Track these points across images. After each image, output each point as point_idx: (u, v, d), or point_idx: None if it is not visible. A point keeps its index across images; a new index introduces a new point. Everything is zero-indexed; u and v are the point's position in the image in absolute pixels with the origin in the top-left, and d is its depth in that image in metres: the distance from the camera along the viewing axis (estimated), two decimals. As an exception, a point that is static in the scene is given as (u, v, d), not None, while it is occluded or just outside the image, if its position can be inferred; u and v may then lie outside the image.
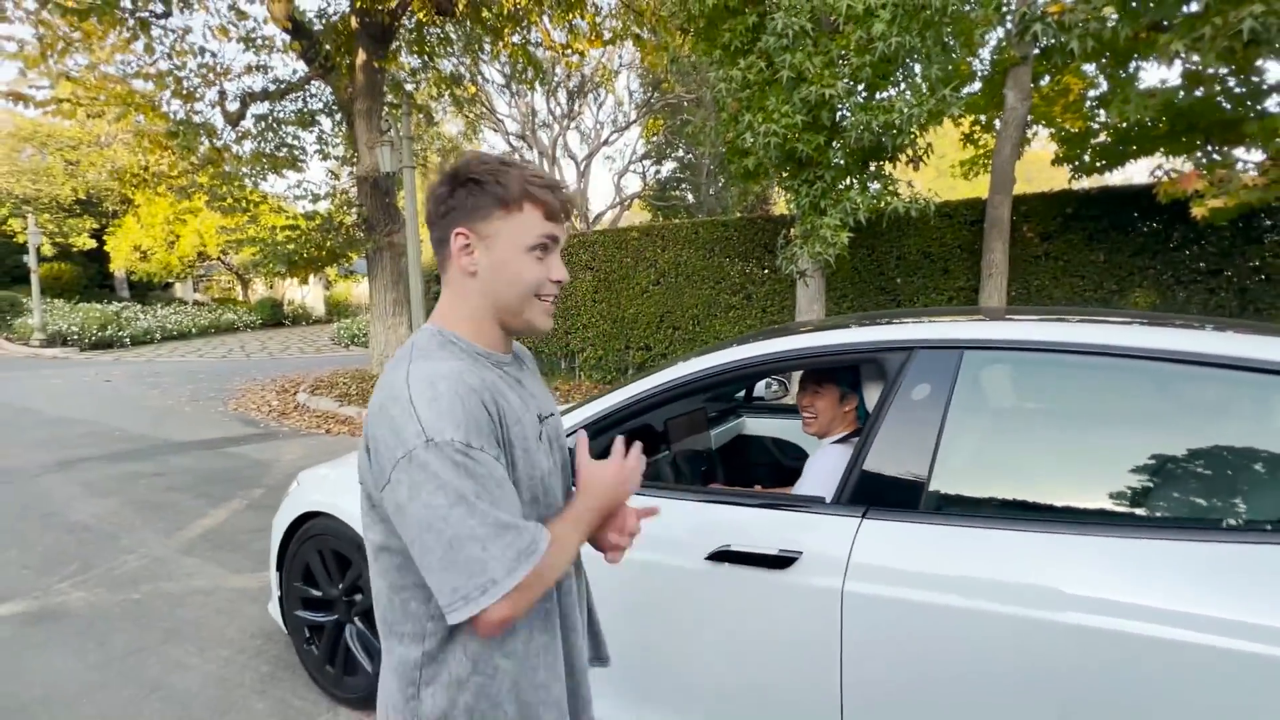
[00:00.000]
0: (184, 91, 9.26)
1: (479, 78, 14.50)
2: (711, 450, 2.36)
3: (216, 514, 4.23)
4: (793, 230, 5.88)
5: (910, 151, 5.58)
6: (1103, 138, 6.55)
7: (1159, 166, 5.31)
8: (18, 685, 2.32)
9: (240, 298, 25.67)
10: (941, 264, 7.47)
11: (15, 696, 2.26)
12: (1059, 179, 7.78)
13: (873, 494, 1.29)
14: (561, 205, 0.89)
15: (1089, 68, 6.57)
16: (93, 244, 21.79)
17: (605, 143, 19.10)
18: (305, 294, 25.11)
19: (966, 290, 7.31)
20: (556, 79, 16.87)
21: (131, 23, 8.06)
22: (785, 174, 5.72)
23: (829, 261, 5.51)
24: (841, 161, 5.53)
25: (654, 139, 19.03)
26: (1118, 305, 7.04)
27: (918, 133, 5.09)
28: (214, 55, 9.39)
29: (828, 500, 1.35)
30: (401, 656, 0.85)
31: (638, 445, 0.94)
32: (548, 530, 0.82)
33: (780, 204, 18.83)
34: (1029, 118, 6.75)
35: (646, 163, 20.37)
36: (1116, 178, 7.35)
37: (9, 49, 8.37)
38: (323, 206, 9.84)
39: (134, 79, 9.20)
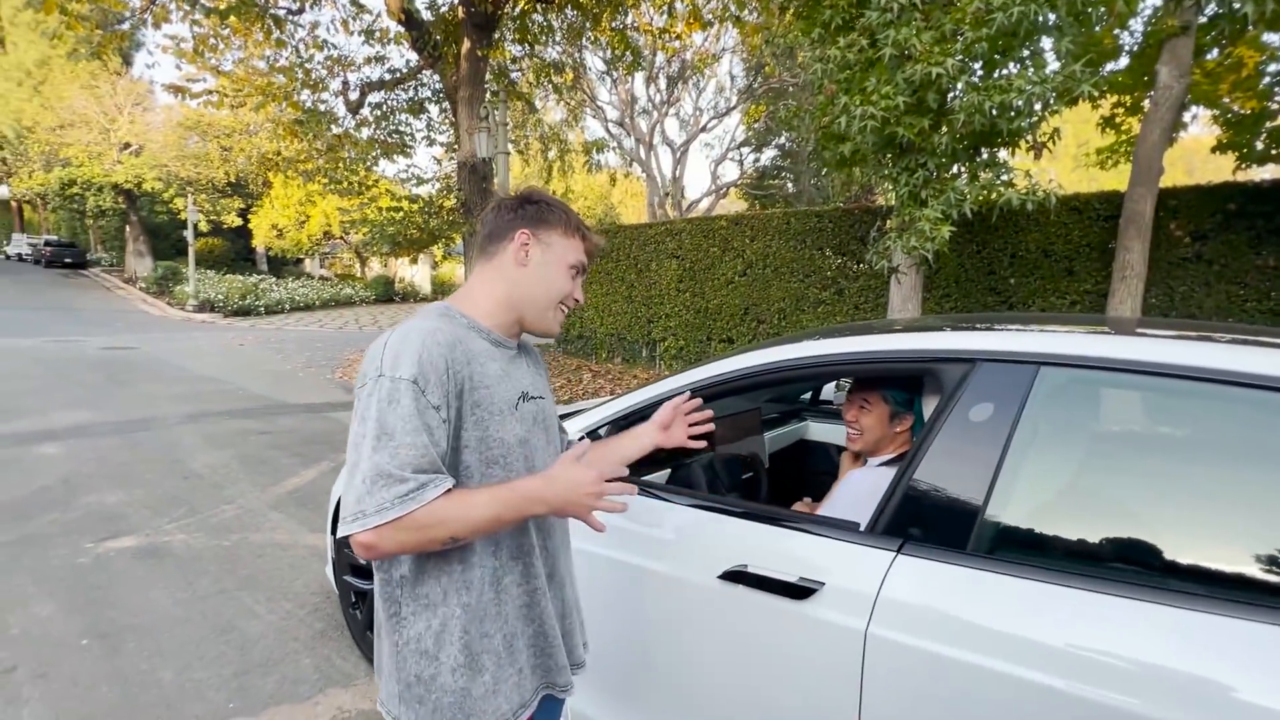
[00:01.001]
0: (311, 82, 10.07)
1: (580, 66, 14.68)
2: (762, 457, 2.20)
3: (306, 473, 4.58)
4: (888, 222, 5.47)
5: (1032, 137, 4.99)
6: (1282, 120, 5.55)
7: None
8: (117, 611, 2.60)
9: (359, 274, 27.87)
10: (1065, 264, 6.69)
11: (113, 621, 2.53)
12: (1227, 169, 6.67)
13: (913, 526, 1.10)
14: (595, 248, 1.12)
15: (1270, 37, 5.56)
16: (239, 222, 24.39)
17: (704, 129, 18.80)
18: (414, 273, 26.84)
19: (1094, 295, 6.50)
20: (657, 65, 16.76)
21: (268, 20, 8.82)
22: (884, 161, 5.31)
23: (926, 257, 5.07)
24: (947, 147, 5.06)
25: (754, 125, 18.48)
26: (1288, 319, 5.99)
27: (1042, 115, 4.53)
28: (336, 48, 10.10)
29: (861, 527, 1.18)
30: (384, 578, 0.98)
31: (631, 490, 1.02)
32: (448, 487, 0.89)
33: (885, 194, 17.75)
34: (1187, 98, 5.84)
35: (745, 150, 19.84)
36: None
37: (171, 46, 9.46)
38: (426, 190, 10.38)
39: (273, 73, 10.12)
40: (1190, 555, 0.98)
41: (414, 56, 9.99)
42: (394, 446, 0.86)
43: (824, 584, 1.13)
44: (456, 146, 9.97)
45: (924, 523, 1.09)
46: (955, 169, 5.00)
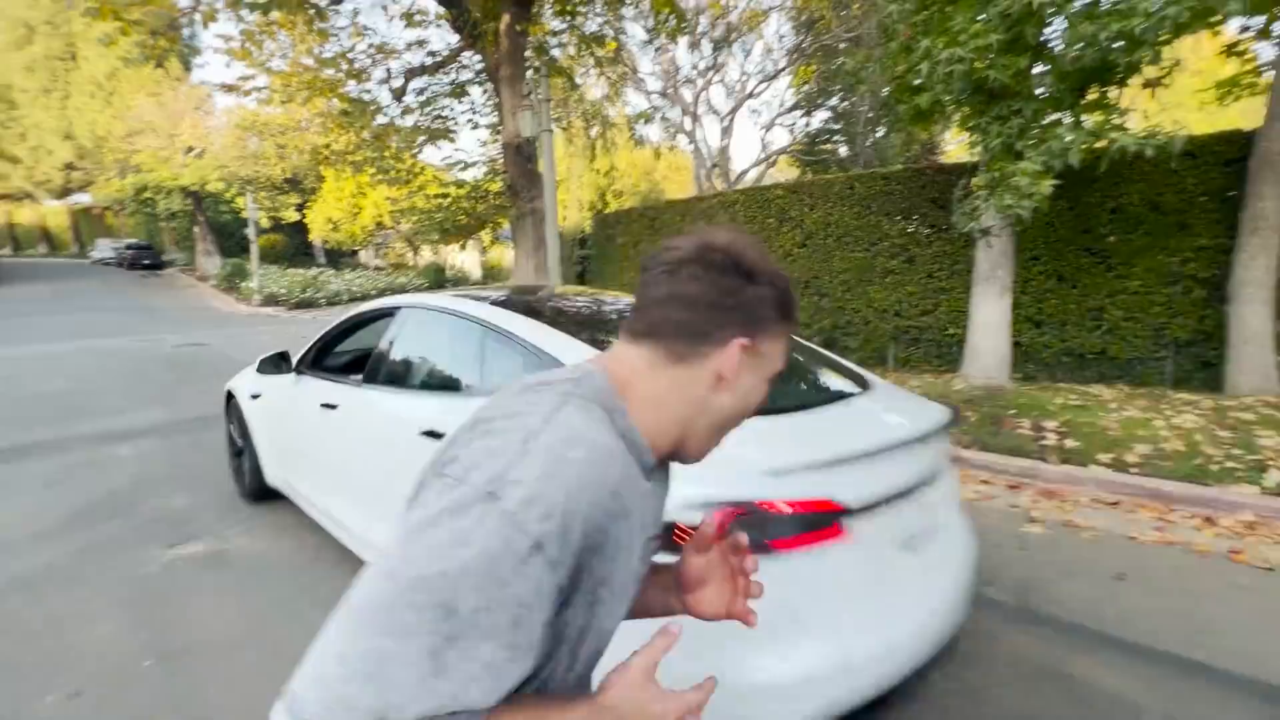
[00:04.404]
0: (355, 72, 10.02)
1: (621, 35, 14.17)
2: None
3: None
4: (975, 179, 4.91)
5: (1150, 70, 4.34)
6: None
7: None
8: (181, 628, 2.52)
9: (411, 263, 28.41)
10: (1177, 217, 5.92)
11: (179, 639, 2.44)
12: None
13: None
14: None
15: None
16: (296, 217, 25.16)
17: (751, 94, 17.99)
18: (464, 259, 27.13)
19: (1212, 250, 5.73)
20: (701, 29, 16.07)
21: (309, 11, 8.76)
22: (969, 110, 4.75)
23: (1021, 216, 4.52)
24: (1046, 91, 4.47)
25: (805, 87, 17.54)
26: None
27: (1168, 42, 3.90)
28: (376, 34, 10.00)
29: None
30: None
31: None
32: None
33: (951, 152, 16.56)
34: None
35: (795, 114, 18.91)
36: None
37: (221, 45, 9.55)
38: (471, 175, 10.25)
39: (320, 66, 10.12)
40: None
41: (454, 38, 9.78)
42: (460, 651, 0.50)
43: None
44: (501, 128, 9.76)
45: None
46: (1056, 114, 4.41)
